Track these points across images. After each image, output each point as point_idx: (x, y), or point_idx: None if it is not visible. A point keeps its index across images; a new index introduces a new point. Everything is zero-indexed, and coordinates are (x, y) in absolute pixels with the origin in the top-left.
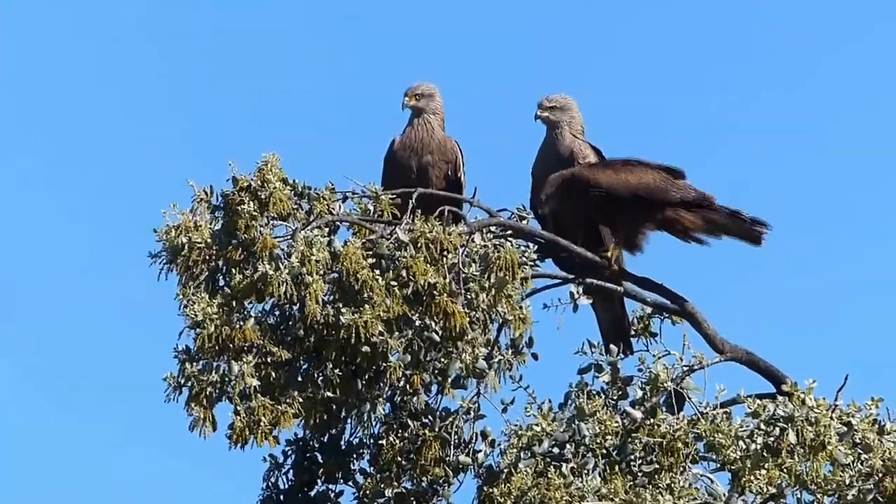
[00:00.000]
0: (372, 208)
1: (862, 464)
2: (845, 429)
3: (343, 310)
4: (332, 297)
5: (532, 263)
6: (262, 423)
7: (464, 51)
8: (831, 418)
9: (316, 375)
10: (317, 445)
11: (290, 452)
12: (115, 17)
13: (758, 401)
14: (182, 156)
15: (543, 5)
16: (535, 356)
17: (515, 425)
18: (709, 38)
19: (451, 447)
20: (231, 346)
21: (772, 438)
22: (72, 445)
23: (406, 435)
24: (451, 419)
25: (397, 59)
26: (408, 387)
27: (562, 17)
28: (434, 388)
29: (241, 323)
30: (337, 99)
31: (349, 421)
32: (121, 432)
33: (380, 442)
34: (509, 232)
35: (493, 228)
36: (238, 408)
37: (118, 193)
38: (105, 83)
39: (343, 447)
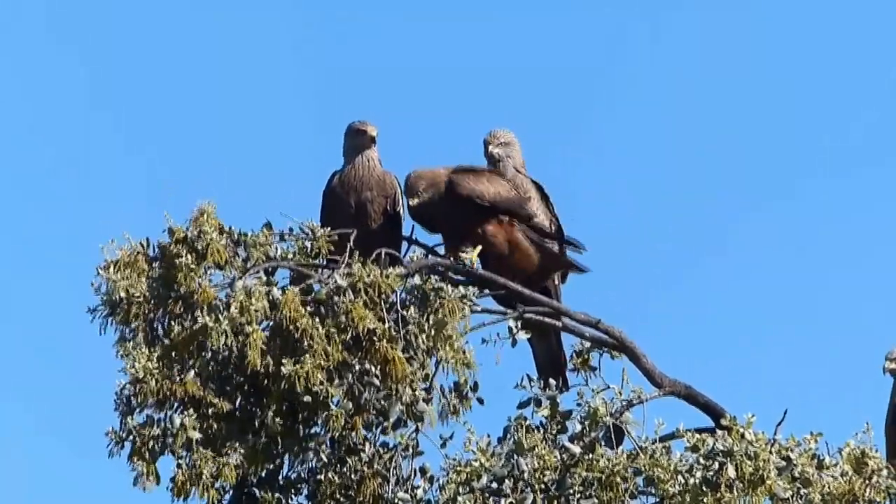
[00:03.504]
0: (309, 245)
1: (801, 498)
2: (784, 463)
3: (284, 360)
4: (272, 346)
5: (471, 303)
6: (203, 476)
7: (400, 83)
8: (770, 453)
9: (257, 424)
10: (255, 480)
11: (227, 487)
12: None
13: (697, 435)
14: (121, 197)
15: (484, 38)
16: (480, 400)
17: (454, 460)
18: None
19: (390, 483)
20: (172, 398)
21: (711, 473)
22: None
23: (344, 471)
24: (389, 455)
25: (331, 93)
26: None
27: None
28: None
29: (181, 375)
30: (274, 133)
31: (288, 457)
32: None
33: (318, 478)
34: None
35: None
36: (180, 461)
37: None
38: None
39: (281, 482)
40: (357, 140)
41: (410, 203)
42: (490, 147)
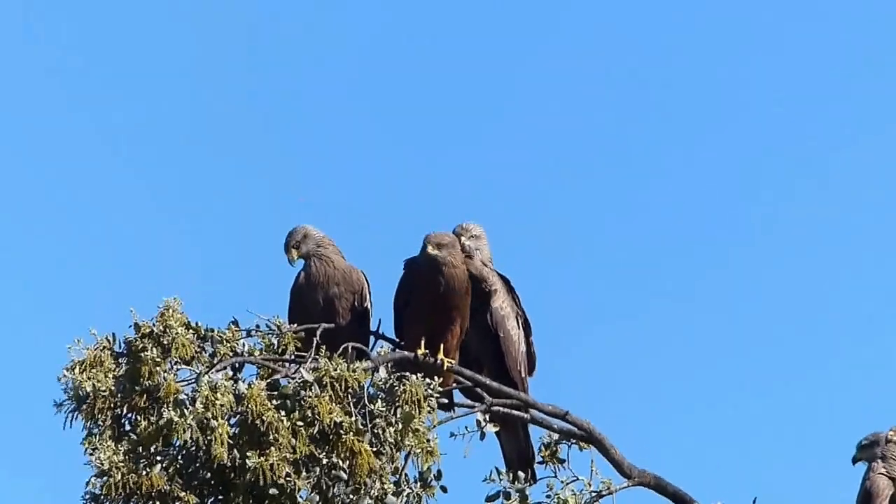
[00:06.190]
0: (276, 342)
1: None
2: None
3: (249, 452)
4: (238, 440)
5: (438, 395)
6: None
7: (369, 175)
8: None
9: None
10: None
11: None
12: None
13: None
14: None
15: (440, 133)
16: (443, 489)
17: None
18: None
19: None
20: (139, 492)
21: None
22: None
23: None
24: None
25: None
26: None
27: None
28: None
29: (148, 469)
30: (239, 231)
31: None
32: None
33: None
34: None
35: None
36: None
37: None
38: None
39: None
40: None
41: (430, 252)
42: (462, 239)
